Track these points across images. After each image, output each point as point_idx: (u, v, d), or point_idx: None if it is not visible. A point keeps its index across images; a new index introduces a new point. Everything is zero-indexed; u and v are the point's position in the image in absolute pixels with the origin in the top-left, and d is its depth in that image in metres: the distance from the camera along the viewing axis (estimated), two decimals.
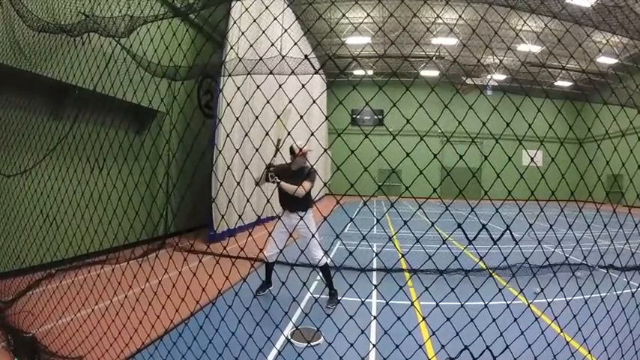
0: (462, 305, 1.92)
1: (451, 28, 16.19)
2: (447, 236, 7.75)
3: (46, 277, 4.47)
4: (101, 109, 5.78)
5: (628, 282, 2.66)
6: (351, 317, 1.79)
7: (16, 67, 4.35)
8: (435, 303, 1.97)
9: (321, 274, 4.13)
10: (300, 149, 3.85)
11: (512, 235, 1.72)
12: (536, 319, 2.02)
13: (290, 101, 1.96)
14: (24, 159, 4.48)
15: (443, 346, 1.91)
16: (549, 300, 2.11)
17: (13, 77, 4.46)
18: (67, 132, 4.69)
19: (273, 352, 2.87)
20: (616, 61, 17.51)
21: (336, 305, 3.95)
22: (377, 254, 5.42)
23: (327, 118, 2.13)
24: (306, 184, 3.79)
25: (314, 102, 1.93)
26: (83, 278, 3.59)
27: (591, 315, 2.04)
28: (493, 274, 4.97)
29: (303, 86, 1.72)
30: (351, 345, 1.88)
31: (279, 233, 4.07)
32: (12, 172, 4.35)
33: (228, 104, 1.98)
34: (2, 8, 4.27)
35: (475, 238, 1.77)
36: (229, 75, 2.62)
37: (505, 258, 1.96)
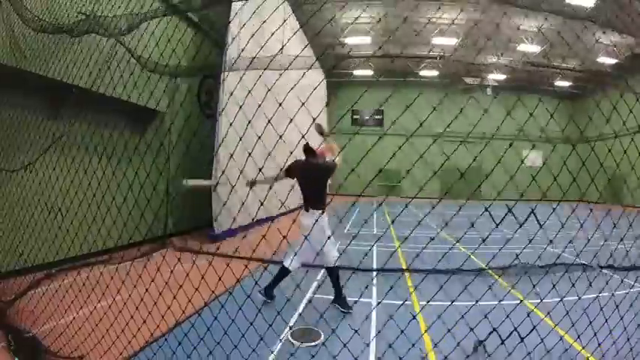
0: (451, 303, 1.93)
1: (444, 28, 16.18)
2: (446, 236, 7.75)
3: (46, 277, 4.47)
4: (102, 109, 5.78)
5: (622, 280, 2.68)
6: (349, 311, 1.79)
7: (15, 67, 4.35)
8: (435, 303, 1.98)
9: (330, 275, 3.93)
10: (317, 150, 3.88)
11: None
12: (528, 314, 2.03)
13: (302, 104, 1.96)
14: (26, 159, 4.47)
15: (436, 344, 1.92)
16: (543, 297, 2.11)
17: (13, 76, 4.46)
18: (66, 131, 4.68)
19: (273, 353, 2.87)
20: (616, 60, 17.50)
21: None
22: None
23: (330, 115, 2.13)
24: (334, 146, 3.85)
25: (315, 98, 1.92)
26: (86, 277, 3.59)
27: (584, 311, 2.04)
28: (495, 274, 4.98)
29: (314, 88, 1.72)
30: (347, 341, 1.88)
31: (302, 242, 3.72)
32: (13, 169, 4.34)
33: (230, 95, 1.98)
34: (1, 7, 4.26)
35: (473, 224, 1.77)
36: (229, 70, 2.62)
37: (494, 256, 1.96)
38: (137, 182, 3.03)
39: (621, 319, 2.29)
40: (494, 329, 1.91)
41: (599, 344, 2.28)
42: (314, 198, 3.85)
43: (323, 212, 3.85)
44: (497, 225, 1.73)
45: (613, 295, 2.35)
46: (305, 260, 3.85)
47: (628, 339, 2.28)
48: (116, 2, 4.60)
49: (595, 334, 2.22)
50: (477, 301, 1.94)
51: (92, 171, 3.31)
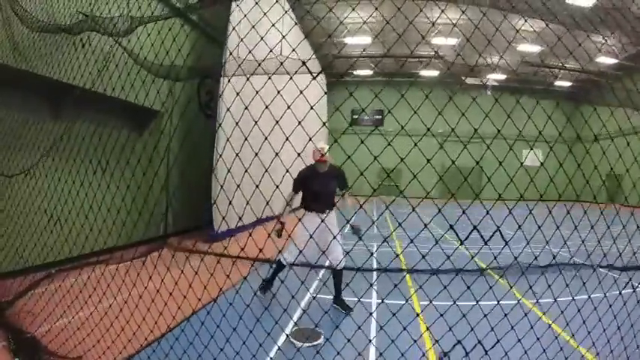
0: (454, 302, 1.93)
1: (443, 28, 16.17)
2: (446, 236, 7.76)
3: (46, 278, 4.47)
4: (101, 110, 5.77)
5: (615, 281, 2.70)
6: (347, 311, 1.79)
7: (15, 68, 4.35)
8: (434, 304, 1.99)
9: (333, 277, 3.98)
10: (321, 154, 3.84)
11: (501, 236, 1.73)
12: (526, 314, 2.03)
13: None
14: (26, 159, 4.47)
15: (437, 341, 1.92)
16: (538, 298, 2.12)
17: (13, 77, 4.46)
18: (64, 132, 4.67)
19: (273, 352, 2.88)
20: (615, 61, 17.49)
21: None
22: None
23: (326, 121, 2.14)
24: (349, 193, 3.98)
25: (316, 103, 1.93)
26: (87, 277, 3.60)
27: (578, 311, 2.05)
28: (492, 273, 4.99)
29: (305, 87, 1.72)
30: (347, 341, 1.88)
31: (305, 237, 3.67)
32: (14, 172, 4.35)
33: (229, 108, 1.98)
34: (1, 10, 4.26)
35: (466, 239, 1.78)
36: (230, 76, 2.63)
37: (495, 257, 1.97)
38: (140, 183, 3.03)
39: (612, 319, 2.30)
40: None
41: (598, 343, 2.28)
42: (325, 201, 3.93)
43: (331, 212, 3.93)
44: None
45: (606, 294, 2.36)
46: (303, 257, 3.78)
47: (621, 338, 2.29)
48: (115, 3, 4.60)
49: (594, 333, 2.23)
50: (477, 302, 1.95)
51: (92, 171, 3.31)
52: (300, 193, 4.06)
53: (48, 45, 4.54)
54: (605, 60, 17.61)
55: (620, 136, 3.73)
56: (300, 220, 3.87)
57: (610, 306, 2.27)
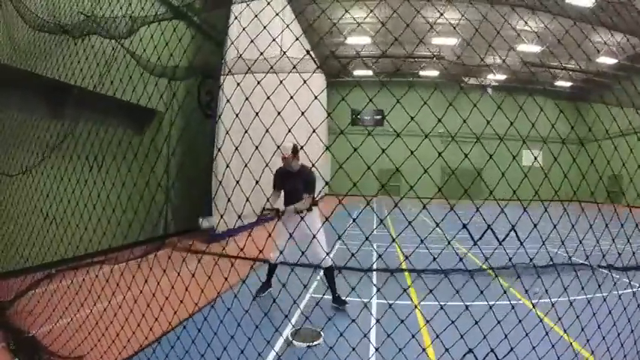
0: (466, 307, 1.92)
1: (443, 29, 16.14)
2: (450, 238, 7.73)
3: (46, 278, 4.46)
4: (102, 109, 5.76)
5: (629, 281, 2.67)
6: (353, 321, 1.77)
7: (15, 67, 4.34)
8: (438, 304, 1.97)
9: (324, 277, 3.96)
10: (286, 155, 3.83)
11: (516, 235, 1.71)
12: (545, 314, 2.02)
13: (314, 97, 1.94)
14: (25, 159, 4.46)
15: (447, 350, 1.91)
16: (549, 300, 2.10)
17: (12, 76, 4.45)
18: (67, 133, 4.67)
19: (273, 353, 2.86)
20: (615, 61, 17.48)
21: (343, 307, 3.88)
22: (380, 256, 5.38)
23: (329, 115, 2.13)
24: (309, 198, 3.88)
25: (315, 98, 1.92)
26: (82, 279, 3.58)
27: (588, 315, 2.02)
28: (495, 274, 4.95)
29: (305, 81, 1.71)
30: (355, 348, 1.87)
31: (284, 235, 3.86)
32: (13, 172, 4.34)
33: (228, 100, 1.97)
34: (2, 8, 4.25)
35: (480, 238, 1.77)
36: (228, 74, 2.62)
37: (510, 258, 1.95)
38: (139, 183, 3.02)
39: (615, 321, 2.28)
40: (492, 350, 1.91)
41: (588, 341, 2.26)
42: (297, 200, 3.93)
43: (310, 210, 3.93)
44: (489, 227, 1.73)
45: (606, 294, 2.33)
46: (284, 256, 3.76)
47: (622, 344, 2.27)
48: (116, 3, 4.59)
49: (588, 341, 2.21)
50: (493, 305, 1.93)
51: (92, 171, 3.31)
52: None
53: (46, 42, 4.53)
54: (606, 60, 17.60)
55: (620, 136, 3.71)
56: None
57: (625, 308, 2.25)
